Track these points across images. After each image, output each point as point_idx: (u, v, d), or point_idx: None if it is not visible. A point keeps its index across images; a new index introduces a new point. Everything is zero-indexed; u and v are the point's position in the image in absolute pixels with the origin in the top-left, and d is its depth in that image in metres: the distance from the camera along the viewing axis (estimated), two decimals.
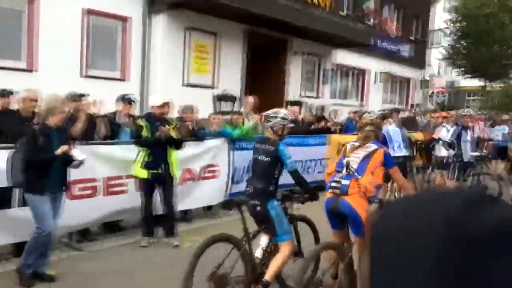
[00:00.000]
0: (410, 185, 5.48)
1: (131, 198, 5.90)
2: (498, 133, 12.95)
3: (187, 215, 6.96)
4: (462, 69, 22.63)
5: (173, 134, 5.67)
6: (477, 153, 10.22)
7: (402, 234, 0.57)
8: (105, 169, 5.74)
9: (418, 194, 0.69)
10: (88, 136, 5.49)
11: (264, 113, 4.32)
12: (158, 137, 5.50)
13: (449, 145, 7.95)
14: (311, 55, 14.80)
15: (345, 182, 3.84)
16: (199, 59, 11.26)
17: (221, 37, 11.59)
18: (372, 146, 4.07)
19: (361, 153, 4.01)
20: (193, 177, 6.87)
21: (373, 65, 18.25)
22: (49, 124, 4.30)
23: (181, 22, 10.62)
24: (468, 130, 8.15)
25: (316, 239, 4.41)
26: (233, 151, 7.40)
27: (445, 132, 8.42)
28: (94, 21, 9.56)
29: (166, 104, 5.74)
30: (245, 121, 7.33)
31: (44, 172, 4.21)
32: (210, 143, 7.05)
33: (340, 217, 3.96)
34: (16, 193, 4.72)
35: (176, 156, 5.87)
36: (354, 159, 3.96)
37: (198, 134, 6.94)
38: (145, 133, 5.53)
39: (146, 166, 5.54)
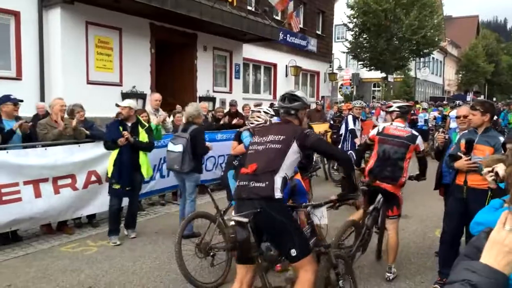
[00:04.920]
0: None
1: (27, 206, 5.53)
2: (421, 119, 15.42)
3: (93, 220, 6.67)
4: (365, 62, 24.00)
5: (143, 137, 5.92)
6: None
7: None
8: None
9: None
10: None
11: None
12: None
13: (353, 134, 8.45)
14: (221, 50, 14.81)
15: None
16: (103, 56, 10.77)
17: (125, 32, 11.18)
18: None
19: None
20: (98, 180, 6.56)
21: (282, 59, 18.75)
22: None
23: (80, 17, 10.08)
24: (357, 120, 8.76)
25: None
26: None
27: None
28: None
29: (127, 107, 5.79)
30: (151, 118, 7.14)
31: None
32: None
33: None
34: None
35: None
36: None
37: (95, 134, 6.65)
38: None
39: None
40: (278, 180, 3.01)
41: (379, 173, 4.46)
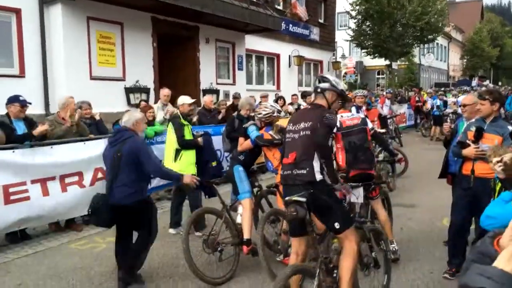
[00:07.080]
0: None
1: (35, 205, 5.57)
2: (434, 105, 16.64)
3: None
4: (369, 49, 23.80)
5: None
6: (383, 130, 10.96)
7: None
8: (4, 176, 5.34)
9: None
10: None
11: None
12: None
13: None
14: (223, 42, 14.72)
15: None
16: (105, 51, 10.73)
17: (127, 26, 11.12)
18: None
19: None
20: (104, 177, 6.55)
21: (285, 49, 18.62)
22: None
23: (81, 12, 10.02)
24: (360, 109, 8.69)
25: None
26: (150, 145, 7.17)
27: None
28: None
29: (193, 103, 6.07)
30: (157, 114, 7.14)
31: None
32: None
33: None
34: None
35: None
36: None
37: (101, 129, 6.67)
38: (188, 134, 5.83)
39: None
40: (316, 164, 3.32)
41: (355, 163, 4.63)
